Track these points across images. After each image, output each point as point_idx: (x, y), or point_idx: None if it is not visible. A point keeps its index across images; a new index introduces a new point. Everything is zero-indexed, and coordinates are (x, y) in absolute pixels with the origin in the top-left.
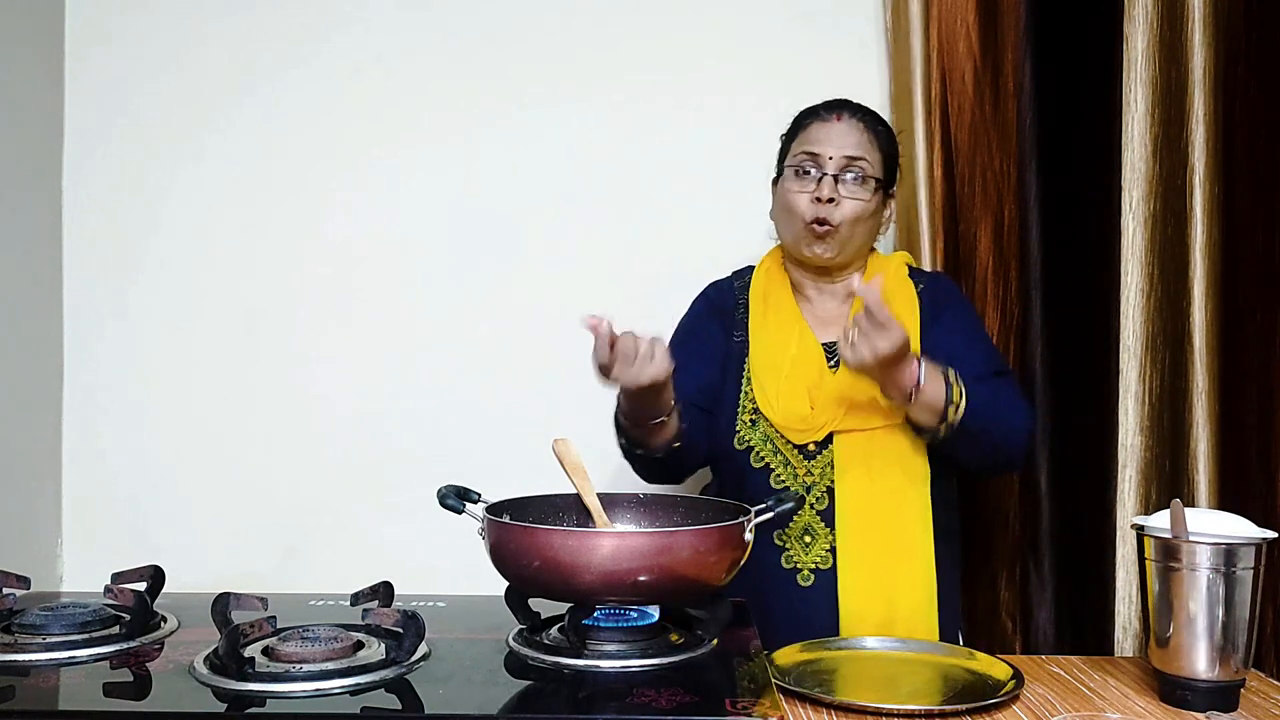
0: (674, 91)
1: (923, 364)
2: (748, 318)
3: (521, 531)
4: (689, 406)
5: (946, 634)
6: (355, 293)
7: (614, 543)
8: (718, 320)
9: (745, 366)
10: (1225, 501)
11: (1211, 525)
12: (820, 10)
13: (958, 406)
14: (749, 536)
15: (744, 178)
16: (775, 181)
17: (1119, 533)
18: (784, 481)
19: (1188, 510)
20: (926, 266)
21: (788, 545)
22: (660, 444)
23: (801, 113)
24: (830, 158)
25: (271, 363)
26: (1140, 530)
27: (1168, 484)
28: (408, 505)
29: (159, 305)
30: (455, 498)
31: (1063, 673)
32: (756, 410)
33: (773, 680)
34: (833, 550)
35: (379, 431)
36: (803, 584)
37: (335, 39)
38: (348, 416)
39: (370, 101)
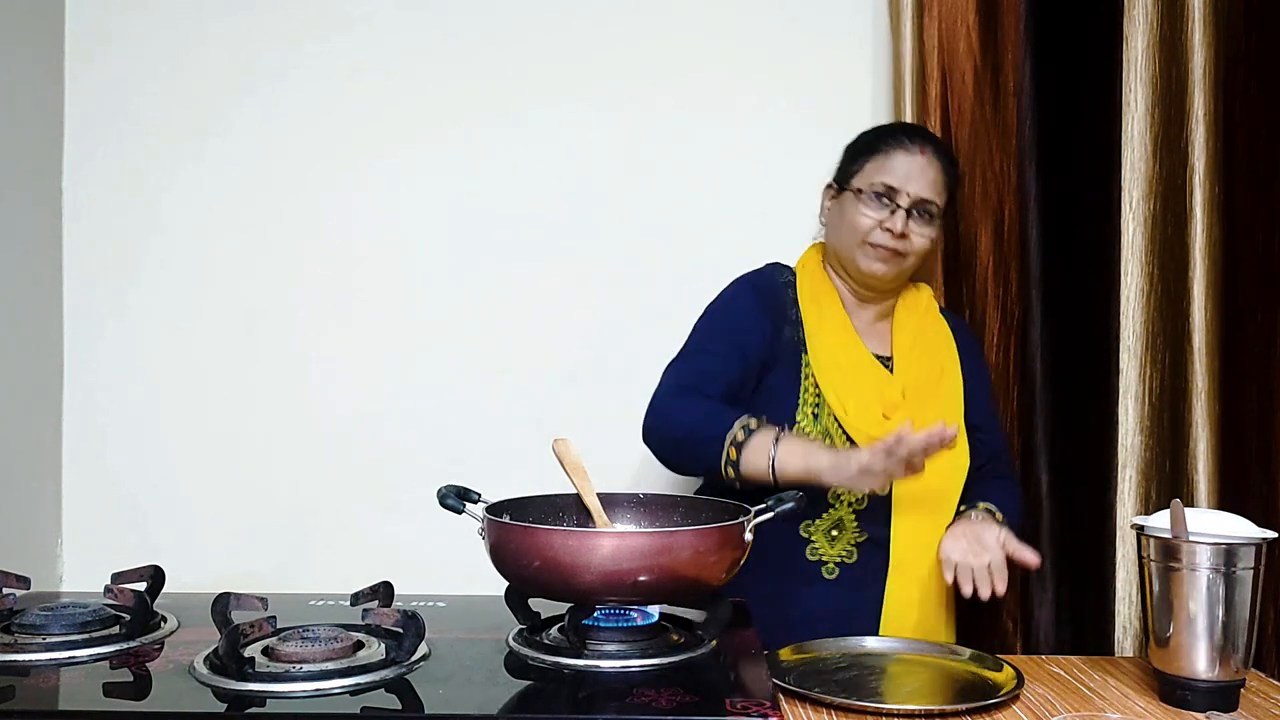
0: (674, 92)
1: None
2: (799, 314)
3: (521, 531)
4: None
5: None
6: (355, 293)
7: (614, 543)
8: (765, 310)
9: (803, 362)
10: (1225, 501)
11: (1211, 525)
12: (820, 10)
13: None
14: (749, 536)
15: (745, 178)
16: (831, 189)
17: (1119, 533)
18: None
19: (1188, 510)
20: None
21: (813, 538)
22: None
23: (882, 133)
24: (908, 194)
25: (272, 362)
26: (1140, 530)
27: (1168, 484)
28: (408, 505)
29: (159, 305)
30: (455, 498)
31: (1063, 673)
32: (818, 406)
33: (773, 680)
34: (857, 545)
35: (379, 431)
36: (827, 576)
37: (336, 39)
38: (348, 416)
39: (371, 102)
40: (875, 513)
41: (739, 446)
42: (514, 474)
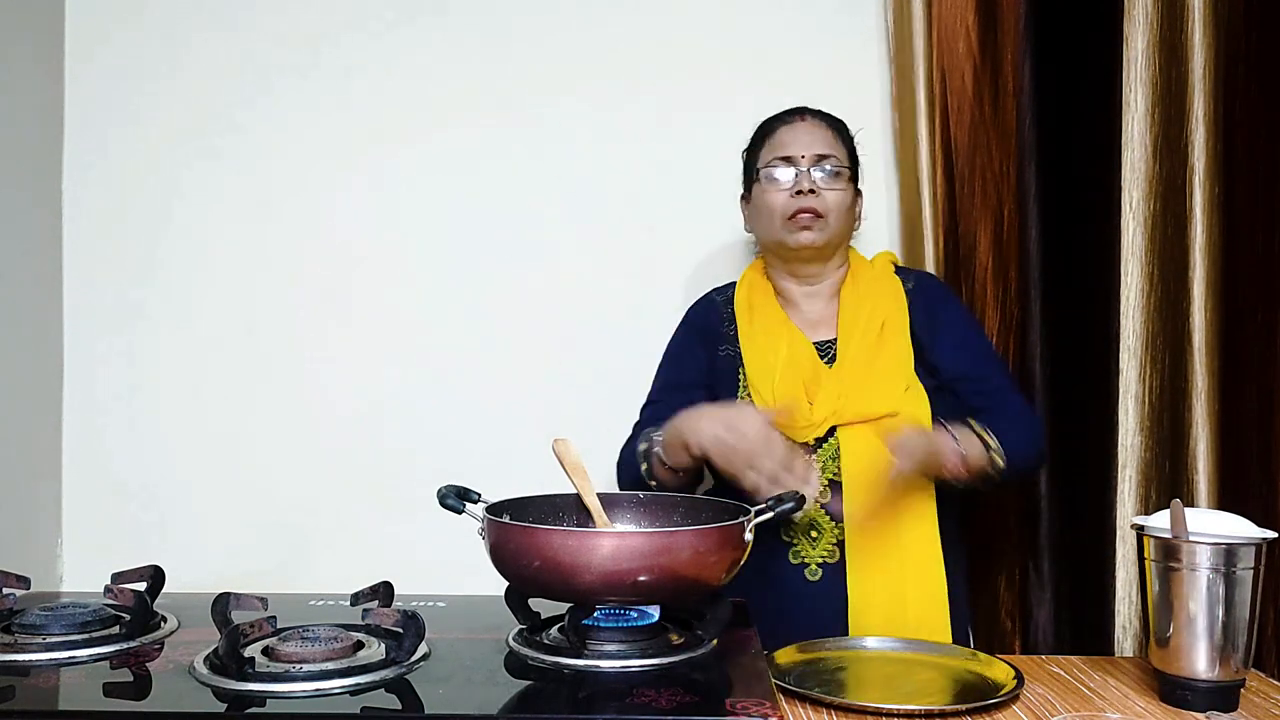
0: (674, 92)
1: (955, 436)
2: (735, 330)
3: (521, 531)
4: None
5: (957, 632)
6: (355, 293)
7: (614, 543)
8: (700, 340)
9: (740, 375)
10: (1225, 501)
11: (1211, 525)
12: (820, 10)
13: (999, 456)
14: (749, 536)
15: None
16: (745, 197)
17: (1119, 533)
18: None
19: (1188, 510)
20: (930, 267)
21: (795, 541)
22: (677, 486)
23: (762, 124)
24: (803, 156)
25: (272, 362)
26: (1140, 530)
27: (1168, 484)
28: (408, 505)
29: (159, 305)
30: (455, 498)
31: (1063, 673)
32: None
33: (773, 680)
34: (839, 544)
35: (379, 431)
36: (810, 579)
37: (335, 40)
38: (348, 416)
39: (370, 102)
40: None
41: (649, 455)
42: (514, 474)
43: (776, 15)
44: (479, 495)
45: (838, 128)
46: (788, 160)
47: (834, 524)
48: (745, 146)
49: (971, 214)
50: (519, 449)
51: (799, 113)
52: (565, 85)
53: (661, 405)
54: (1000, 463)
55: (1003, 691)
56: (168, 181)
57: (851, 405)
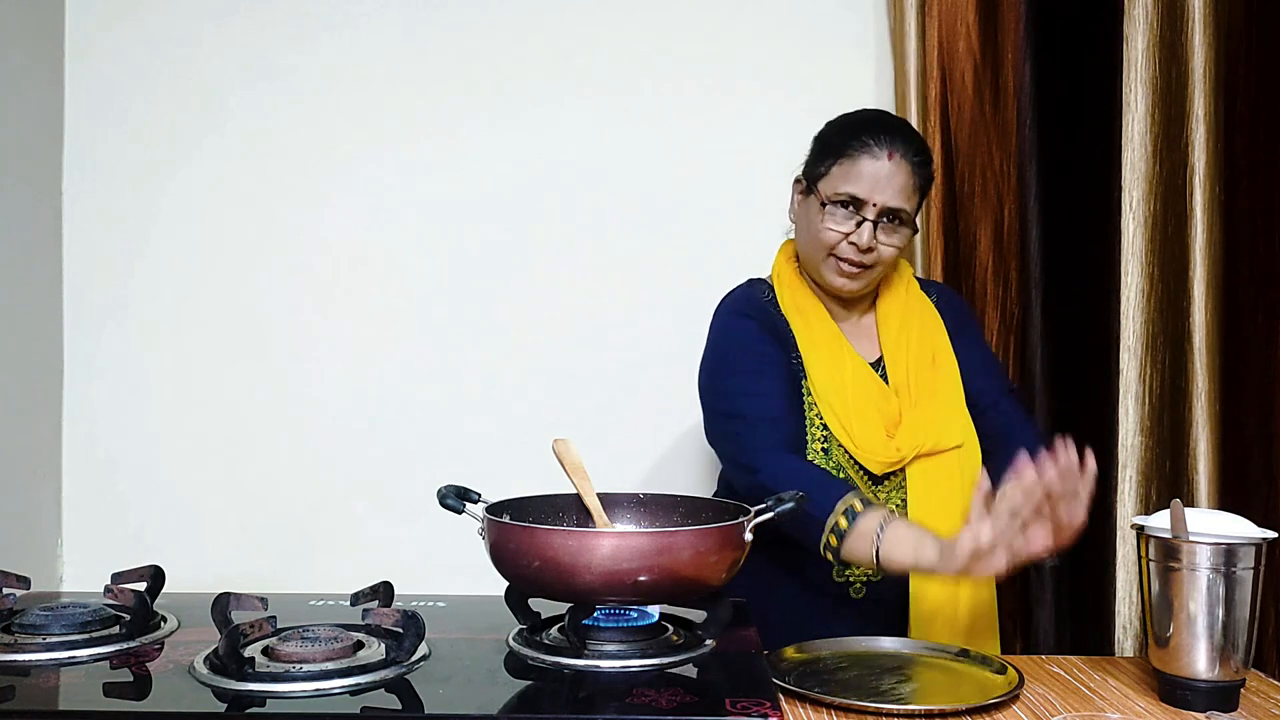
0: (675, 93)
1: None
2: (792, 336)
3: (521, 531)
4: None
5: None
6: (355, 293)
7: (614, 543)
8: (775, 340)
9: (805, 388)
10: (1225, 501)
11: (1211, 525)
12: (820, 10)
13: None
14: (749, 536)
15: (746, 178)
16: (802, 185)
17: (1119, 533)
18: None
19: (1188, 510)
20: (930, 266)
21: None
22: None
23: (847, 130)
24: (874, 205)
25: (271, 362)
26: (1140, 530)
27: (1168, 484)
28: (408, 505)
29: (159, 305)
30: (455, 498)
31: (1063, 673)
32: (826, 440)
33: (773, 680)
34: None
35: (379, 431)
36: (854, 596)
37: (335, 39)
38: (348, 416)
39: (371, 102)
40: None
41: (841, 535)
42: (514, 474)
43: (776, 15)
44: (479, 495)
45: (922, 172)
46: (856, 202)
47: None
48: (823, 133)
49: (971, 214)
50: (519, 449)
51: (890, 143)
52: (565, 86)
53: (784, 423)
54: None
55: (1003, 692)
56: (167, 181)
57: (929, 438)
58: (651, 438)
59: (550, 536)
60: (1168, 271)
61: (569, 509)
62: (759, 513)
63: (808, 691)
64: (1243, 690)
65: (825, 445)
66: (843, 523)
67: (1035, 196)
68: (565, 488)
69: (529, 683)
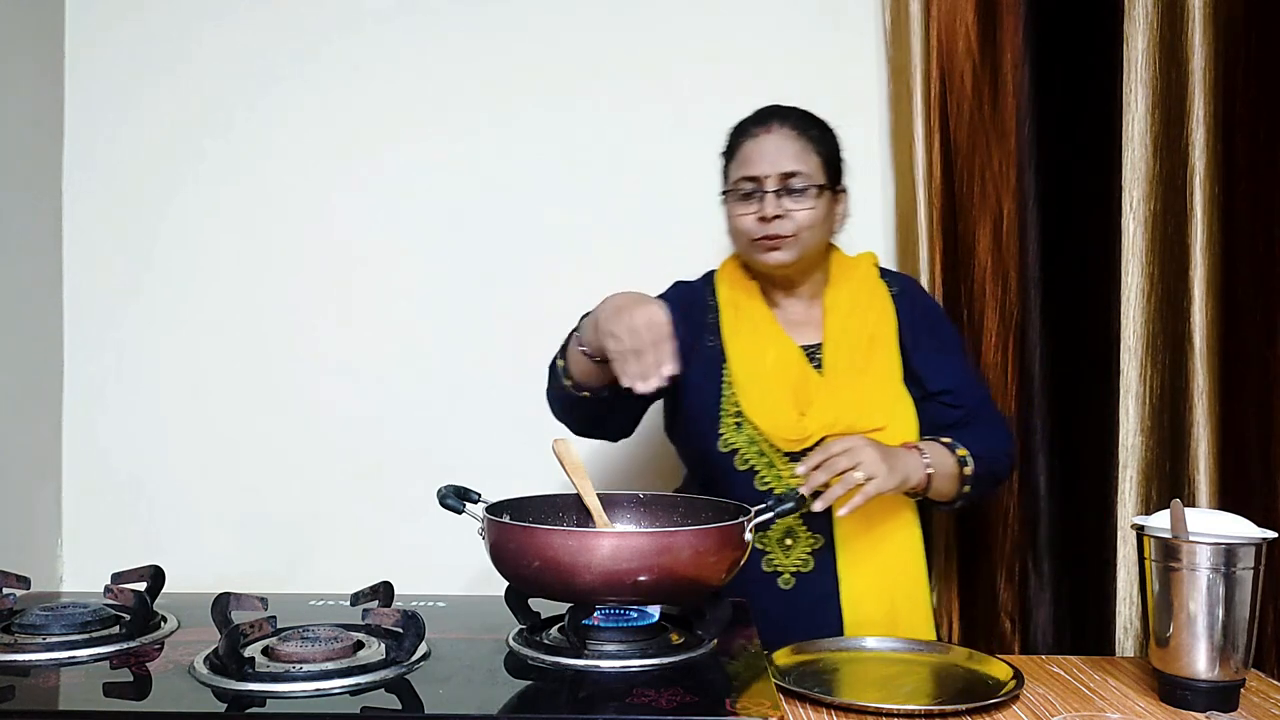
0: (674, 93)
1: (925, 450)
2: (719, 323)
3: (521, 531)
4: None
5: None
6: (356, 292)
7: (614, 543)
8: (684, 321)
9: (724, 371)
10: (1225, 501)
11: (1211, 525)
12: (820, 10)
13: (969, 473)
14: (749, 536)
15: None
16: (724, 201)
17: (1119, 533)
18: (768, 484)
19: (1188, 510)
20: (930, 267)
21: (768, 549)
22: (606, 379)
23: (733, 130)
24: (768, 175)
25: (272, 362)
26: (1140, 530)
27: (1168, 484)
28: (408, 506)
29: (159, 305)
30: (455, 498)
31: (1063, 673)
32: (740, 414)
33: (773, 680)
34: (813, 553)
35: (379, 432)
36: (783, 587)
37: (336, 40)
38: (348, 416)
39: (371, 102)
40: (825, 518)
41: (565, 355)
42: (514, 474)
43: (776, 15)
44: (479, 495)
45: (810, 134)
46: (753, 180)
47: (809, 534)
48: (722, 148)
49: (971, 214)
50: (519, 449)
51: (766, 122)
52: (566, 86)
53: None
54: (969, 472)
55: (1003, 691)
56: (167, 180)
57: (843, 417)
58: (651, 438)
59: (550, 536)
60: (1168, 271)
61: (569, 509)
62: (759, 513)
63: (808, 691)
64: (1243, 690)
65: (738, 421)
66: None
67: (1035, 196)
68: (565, 488)
69: (529, 683)
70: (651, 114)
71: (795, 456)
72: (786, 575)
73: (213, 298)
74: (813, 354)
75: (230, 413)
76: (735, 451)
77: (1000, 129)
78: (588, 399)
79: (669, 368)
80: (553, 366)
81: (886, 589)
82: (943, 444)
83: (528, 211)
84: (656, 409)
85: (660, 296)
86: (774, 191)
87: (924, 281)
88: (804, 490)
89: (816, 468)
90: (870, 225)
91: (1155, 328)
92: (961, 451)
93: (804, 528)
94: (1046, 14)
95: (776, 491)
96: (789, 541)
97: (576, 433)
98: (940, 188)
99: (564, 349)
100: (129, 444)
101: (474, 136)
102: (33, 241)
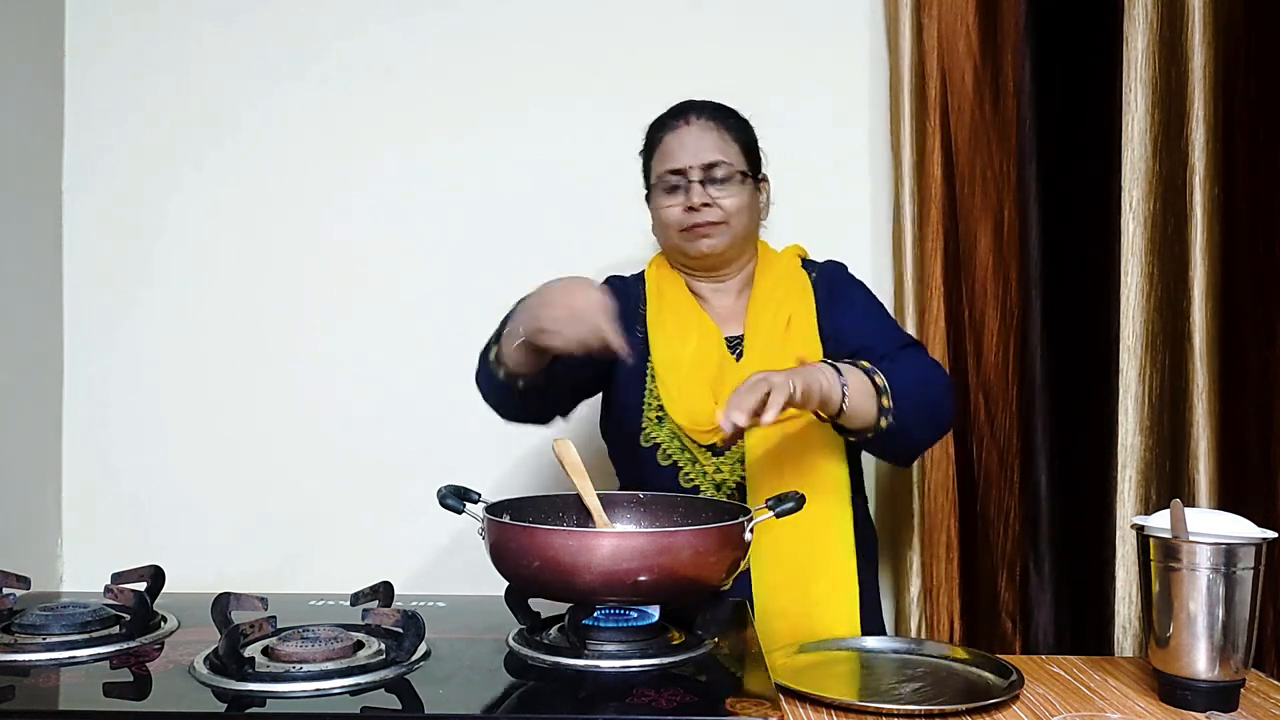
0: (673, 94)
1: (839, 368)
2: (646, 314)
3: (521, 531)
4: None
5: (870, 624)
6: (356, 293)
7: (614, 543)
8: (619, 315)
9: (648, 364)
10: (1225, 501)
11: (1211, 525)
12: (818, 10)
13: (887, 394)
14: (749, 537)
15: None
16: (648, 198)
17: (1119, 533)
18: (692, 479)
19: (1188, 510)
20: (929, 267)
21: None
22: (541, 365)
23: (651, 127)
24: (691, 167)
25: (272, 362)
26: (1140, 530)
27: (1168, 484)
28: (408, 505)
29: (159, 305)
30: (455, 498)
31: (1063, 673)
32: (661, 409)
33: (773, 680)
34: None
35: (379, 432)
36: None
37: (336, 43)
38: (348, 416)
39: (371, 103)
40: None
41: (500, 343)
42: (514, 474)
43: (774, 16)
44: (479, 495)
45: (728, 123)
46: (677, 173)
47: None
48: (640, 148)
49: (971, 214)
50: (519, 449)
51: (683, 115)
52: (567, 87)
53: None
54: (888, 403)
55: (1003, 692)
56: (167, 181)
57: None
58: None
59: (550, 536)
60: (1167, 271)
61: (569, 509)
62: (759, 512)
63: (808, 691)
64: (1243, 690)
65: (660, 415)
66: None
67: (1035, 196)
68: (565, 488)
69: (529, 683)
70: (652, 114)
71: (717, 451)
72: None
73: (212, 298)
74: (736, 344)
75: (230, 412)
76: (658, 446)
77: (1001, 128)
78: (519, 386)
79: (616, 339)
80: (484, 353)
81: (801, 582)
82: (859, 366)
83: (528, 211)
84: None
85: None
86: (698, 181)
87: (924, 281)
88: (726, 435)
89: (729, 419)
90: (870, 225)
91: (1155, 327)
92: (880, 380)
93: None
94: (1046, 14)
95: (701, 488)
96: None
97: (507, 419)
98: (941, 187)
99: (497, 335)
100: (129, 444)
101: (474, 137)
102: (33, 241)
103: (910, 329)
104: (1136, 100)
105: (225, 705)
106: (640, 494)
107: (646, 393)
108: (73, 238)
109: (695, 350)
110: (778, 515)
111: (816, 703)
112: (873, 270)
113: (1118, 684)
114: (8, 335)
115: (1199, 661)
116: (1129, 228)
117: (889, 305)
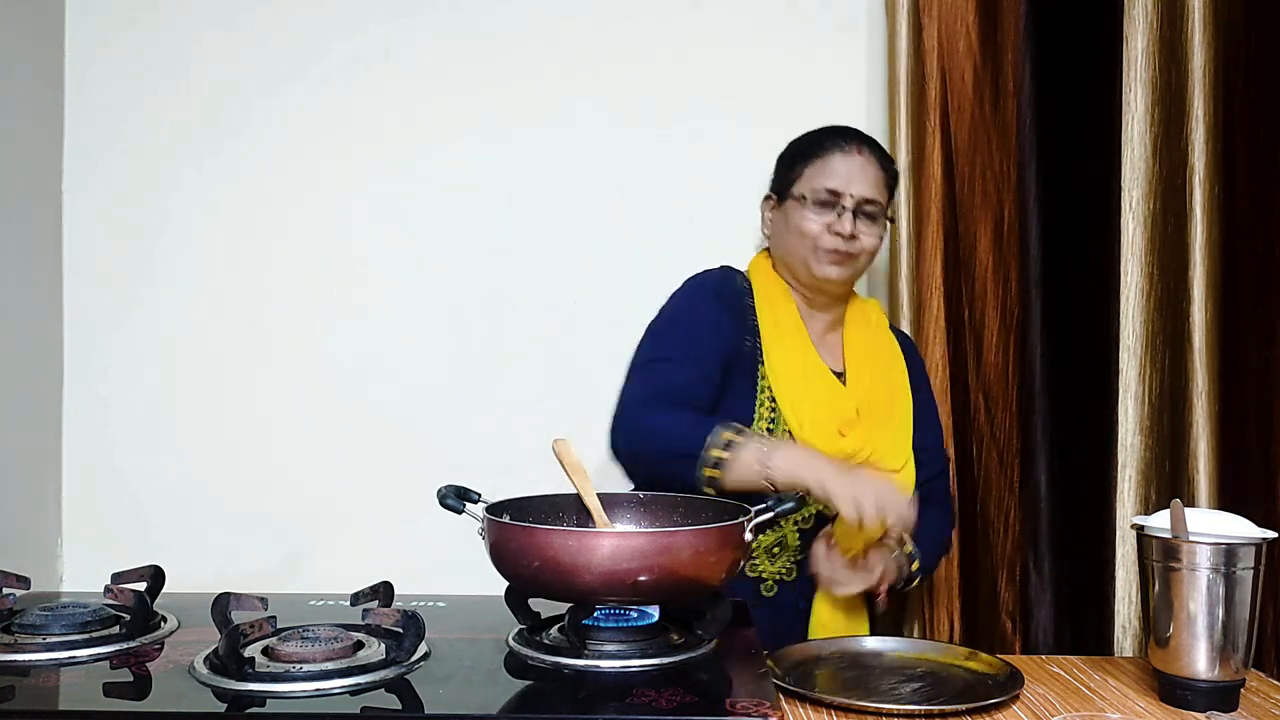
0: (672, 94)
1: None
2: (758, 324)
3: (521, 531)
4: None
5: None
6: (356, 293)
7: (614, 543)
8: (729, 314)
9: (759, 374)
10: (1225, 501)
11: (1211, 525)
12: (818, 10)
13: (913, 568)
14: (749, 537)
15: (744, 181)
16: (772, 201)
17: (1119, 533)
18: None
19: (1188, 510)
20: (929, 267)
21: (754, 555)
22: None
23: (816, 138)
24: (851, 195)
25: (272, 363)
26: (1140, 530)
27: (1168, 484)
28: (408, 505)
29: (160, 305)
30: (455, 498)
31: (1063, 673)
32: (773, 420)
33: (773, 680)
34: (797, 563)
35: (380, 432)
36: (765, 594)
37: (337, 43)
38: (348, 416)
39: (374, 104)
40: (814, 533)
41: (720, 463)
42: (514, 474)
43: (774, 16)
44: (479, 495)
45: (887, 168)
46: (835, 195)
47: (799, 544)
48: (788, 149)
49: (971, 214)
50: (519, 449)
51: (857, 142)
52: (567, 88)
53: (687, 368)
54: (911, 570)
55: (1003, 692)
56: (167, 181)
57: (878, 450)
58: None
59: (550, 536)
60: (1167, 271)
61: (569, 509)
62: (759, 512)
63: (808, 691)
64: (1243, 690)
65: (771, 425)
66: (720, 452)
67: (1035, 196)
68: (565, 488)
69: (529, 683)
70: (651, 117)
71: None
72: (770, 582)
73: (212, 298)
74: (837, 378)
75: (230, 412)
76: None
77: (1001, 128)
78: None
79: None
80: (683, 448)
81: (855, 601)
82: (906, 556)
83: (528, 212)
84: None
85: (705, 273)
86: (851, 210)
87: (924, 281)
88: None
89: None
90: None
91: (1155, 327)
92: (911, 549)
93: (798, 539)
94: (1046, 14)
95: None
96: (777, 549)
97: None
98: (941, 187)
99: (716, 444)
100: (129, 444)
101: (475, 138)
102: (33, 242)
103: (909, 329)
104: (1136, 100)
105: (225, 705)
106: (640, 494)
107: (757, 404)
108: (73, 238)
109: (813, 371)
110: (778, 516)
111: (816, 703)
112: (872, 270)
113: (1118, 684)
114: (8, 335)
115: (1199, 661)
116: (1129, 227)
117: (885, 304)
